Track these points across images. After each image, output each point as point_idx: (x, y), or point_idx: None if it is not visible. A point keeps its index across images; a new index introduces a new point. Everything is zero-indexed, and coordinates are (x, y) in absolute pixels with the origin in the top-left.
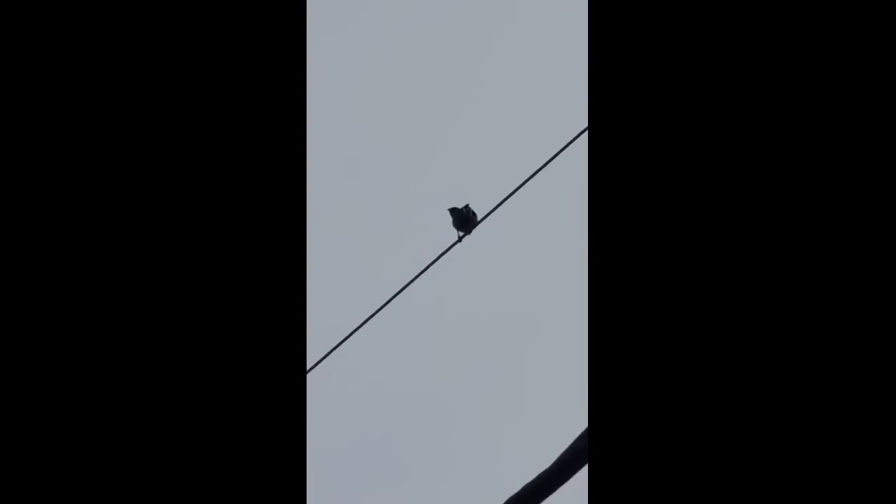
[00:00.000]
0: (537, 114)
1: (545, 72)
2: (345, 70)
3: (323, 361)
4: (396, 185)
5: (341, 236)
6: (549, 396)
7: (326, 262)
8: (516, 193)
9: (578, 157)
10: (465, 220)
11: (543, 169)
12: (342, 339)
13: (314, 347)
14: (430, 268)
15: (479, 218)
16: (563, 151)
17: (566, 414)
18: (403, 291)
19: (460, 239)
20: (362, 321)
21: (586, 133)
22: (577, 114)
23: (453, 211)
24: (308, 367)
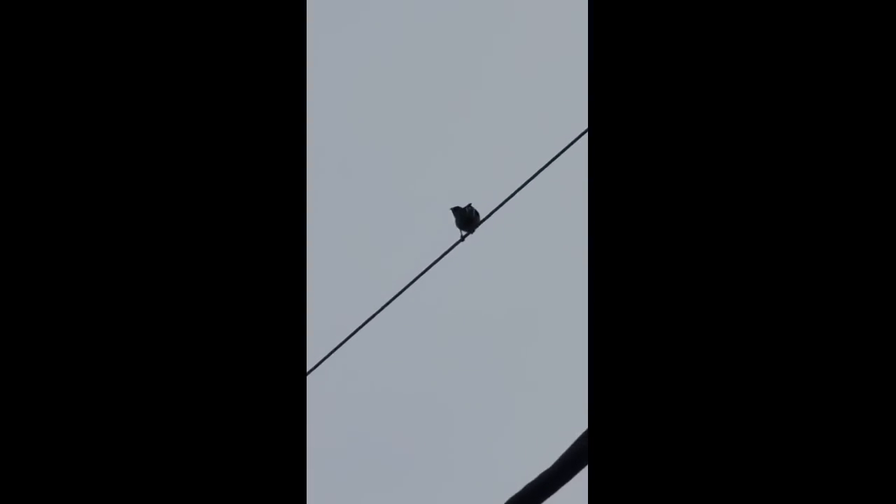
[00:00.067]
0: (540, 113)
1: (548, 71)
2: (347, 70)
3: (325, 361)
4: (398, 185)
5: (343, 236)
6: (550, 396)
7: (328, 263)
8: (519, 193)
9: (581, 157)
10: (467, 219)
11: (546, 168)
12: (344, 339)
13: (316, 347)
14: (433, 267)
15: (481, 217)
16: (566, 151)
17: (567, 413)
18: (406, 291)
19: (463, 238)
20: (364, 321)
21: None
22: (580, 113)
23: (456, 210)
24: (310, 366)
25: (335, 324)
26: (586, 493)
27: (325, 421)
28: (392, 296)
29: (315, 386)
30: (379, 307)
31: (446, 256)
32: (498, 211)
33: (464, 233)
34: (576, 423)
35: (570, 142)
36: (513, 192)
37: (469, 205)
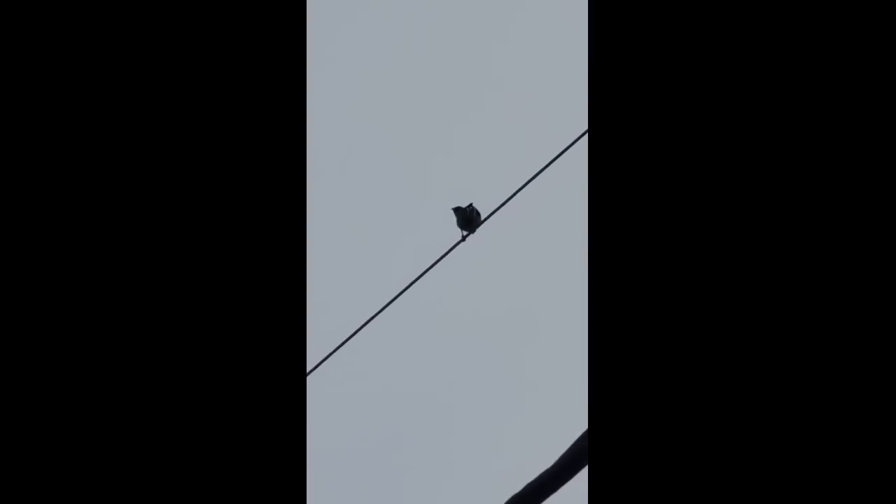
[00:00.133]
0: (541, 113)
1: (550, 71)
2: (350, 69)
3: (326, 361)
4: (399, 185)
5: (345, 236)
6: (551, 395)
7: (329, 262)
8: (520, 193)
9: (583, 156)
10: (468, 219)
11: (547, 168)
12: (345, 339)
13: (317, 347)
14: (434, 267)
15: (482, 217)
16: (568, 150)
17: (569, 413)
18: (407, 290)
19: (464, 238)
20: (366, 320)
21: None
22: (581, 113)
23: (457, 210)
24: (311, 366)
25: (336, 324)
26: (586, 492)
27: (326, 421)
28: (393, 296)
29: (316, 386)
30: (380, 307)
31: (447, 256)
32: (499, 211)
33: (465, 233)
34: (577, 422)
35: (571, 142)
36: (514, 192)
37: (470, 204)
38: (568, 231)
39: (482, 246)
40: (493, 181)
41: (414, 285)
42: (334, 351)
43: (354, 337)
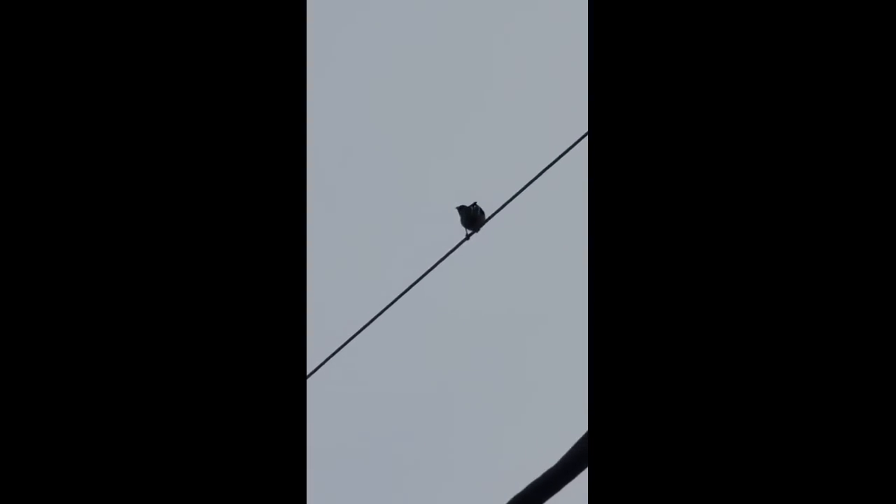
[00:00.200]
0: (546, 111)
1: (555, 69)
2: (353, 68)
3: (328, 361)
4: (402, 185)
5: (347, 236)
6: (555, 395)
7: (332, 263)
8: (524, 191)
9: (587, 155)
10: (472, 218)
11: (552, 167)
12: (348, 338)
13: (319, 347)
14: (438, 266)
15: (486, 216)
16: (572, 149)
17: (571, 414)
18: (412, 289)
19: (468, 237)
20: (369, 320)
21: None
22: (586, 111)
23: (461, 209)
24: (314, 366)
25: (339, 323)
26: (586, 494)
27: (327, 421)
28: (396, 295)
29: (318, 385)
30: (384, 306)
31: (451, 255)
32: (503, 210)
33: (469, 231)
34: (580, 423)
35: (576, 140)
36: (518, 190)
37: (474, 203)
38: (573, 230)
39: (486, 245)
40: (497, 180)
41: (418, 284)
42: (336, 351)
43: (358, 337)
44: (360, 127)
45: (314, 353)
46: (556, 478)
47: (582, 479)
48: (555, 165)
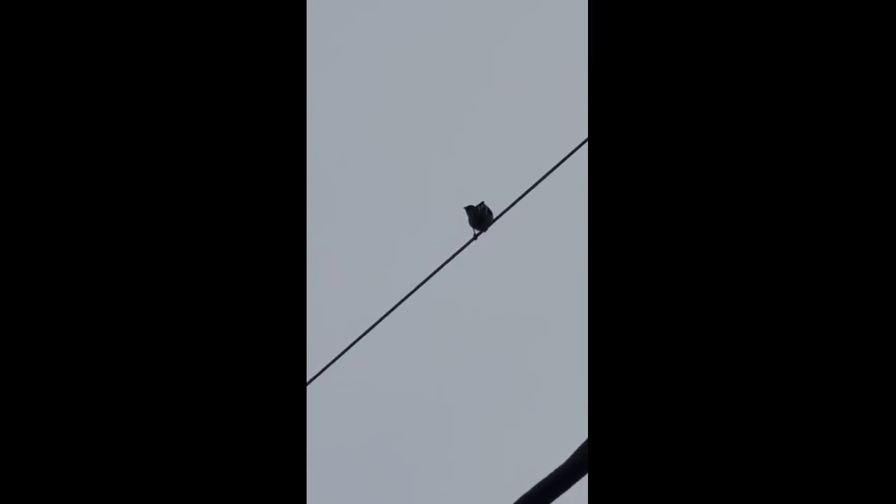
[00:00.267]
0: (554, 110)
1: (562, 67)
2: (359, 68)
3: (335, 362)
4: (407, 185)
5: (353, 236)
6: (564, 396)
7: (336, 263)
8: (532, 191)
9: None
10: (480, 217)
11: (560, 166)
12: (355, 338)
13: (324, 348)
14: (445, 266)
15: (494, 216)
16: (580, 149)
17: (575, 414)
18: (419, 289)
19: (476, 236)
20: (378, 319)
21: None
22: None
23: (469, 209)
24: (319, 367)
25: (345, 324)
26: (586, 494)
27: (330, 422)
28: (405, 294)
29: (322, 387)
30: (392, 305)
31: (459, 255)
32: (511, 209)
33: (477, 231)
34: (584, 423)
35: (584, 138)
36: (526, 190)
37: (482, 203)
38: (581, 229)
39: (494, 245)
40: (502, 179)
41: (426, 284)
42: (343, 352)
43: (364, 337)
44: (366, 127)
45: (319, 354)
46: (557, 482)
47: (582, 484)
48: (563, 164)
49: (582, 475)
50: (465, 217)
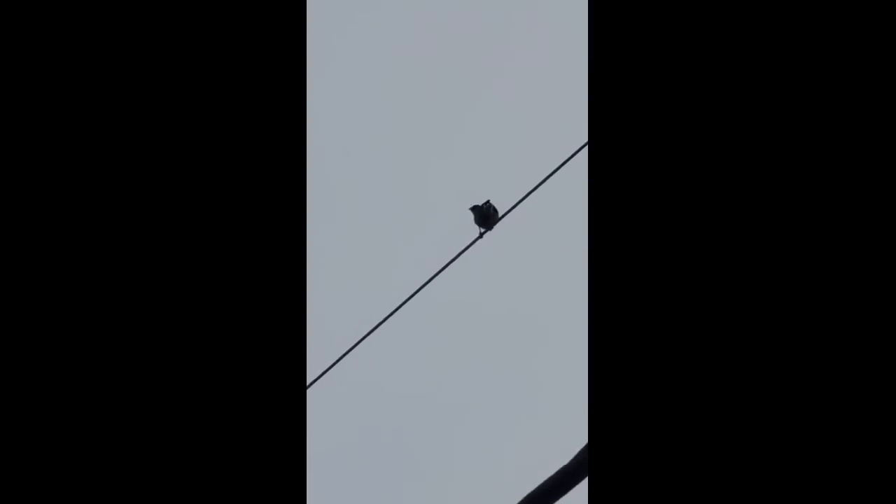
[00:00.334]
0: (561, 109)
1: (569, 66)
2: (364, 68)
3: (339, 363)
4: (414, 184)
5: (359, 234)
6: (567, 397)
7: (339, 262)
8: (538, 190)
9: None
10: (485, 215)
11: (565, 165)
12: (361, 337)
13: (327, 349)
14: (451, 265)
15: (500, 214)
16: (586, 147)
17: (578, 415)
18: (425, 288)
19: (481, 235)
20: (385, 317)
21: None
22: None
23: (475, 208)
24: (323, 368)
25: (350, 324)
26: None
27: (332, 423)
28: (411, 293)
29: (323, 388)
30: (398, 304)
31: (465, 254)
32: (517, 208)
33: (482, 230)
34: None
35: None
36: (531, 189)
37: (487, 201)
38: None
39: (499, 243)
40: (509, 178)
41: (431, 283)
42: (347, 352)
43: (369, 337)
44: (369, 127)
45: (322, 354)
46: (557, 485)
47: (582, 487)
48: (569, 162)
49: (582, 478)
50: (470, 217)
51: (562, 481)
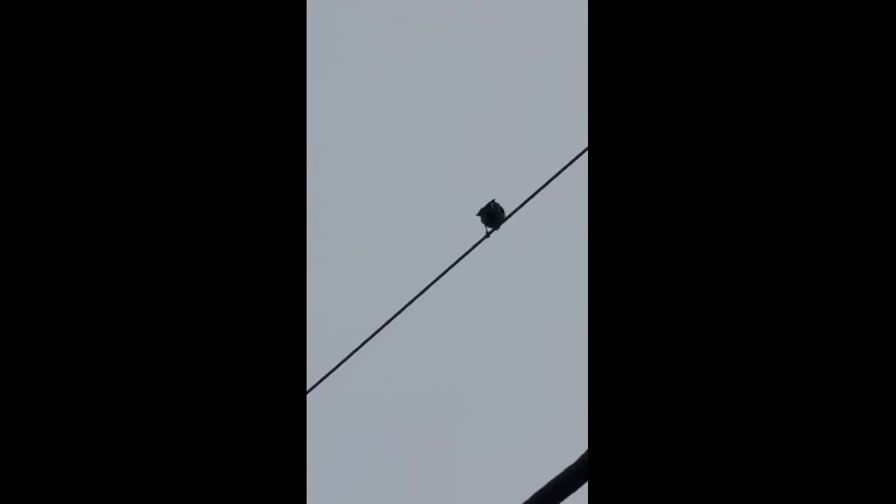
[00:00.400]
0: (568, 107)
1: (575, 66)
2: (368, 67)
3: (343, 364)
4: (416, 186)
5: (365, 234)
6: (569, 397)
7: (344, 262)
8: (545, 189)
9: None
10: (492, 214)
11: (573, 164)
12: (368, 336)
13: (330, 350)
14: (458, 265)
15: (506, 214)
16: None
17: (582, 416)
18: (431, 287)
19: (488, 234)
20: (392, 316)
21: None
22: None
23: (481, 212)
24: (327, 369)
25: (355, 324)
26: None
27: (331, 421)
28: (417, 292)
29: (325, 388)
30: (404, 304)
31: (472, 253)
32: (524, 207)
33: (489, 229)
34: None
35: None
36: (538, 188)
37: (493, 200)
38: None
39: (506, 242)
40: (516, 177)
41: (438, 282)
42: (352, 353)
43: (374, 338)
44: (373, 127)
45: (326, 354)
46: (557, 488)
47: (582, 492)
48: (575, 162)
49: (581, 483)
50: (476, 217)
51: (563, 484)
